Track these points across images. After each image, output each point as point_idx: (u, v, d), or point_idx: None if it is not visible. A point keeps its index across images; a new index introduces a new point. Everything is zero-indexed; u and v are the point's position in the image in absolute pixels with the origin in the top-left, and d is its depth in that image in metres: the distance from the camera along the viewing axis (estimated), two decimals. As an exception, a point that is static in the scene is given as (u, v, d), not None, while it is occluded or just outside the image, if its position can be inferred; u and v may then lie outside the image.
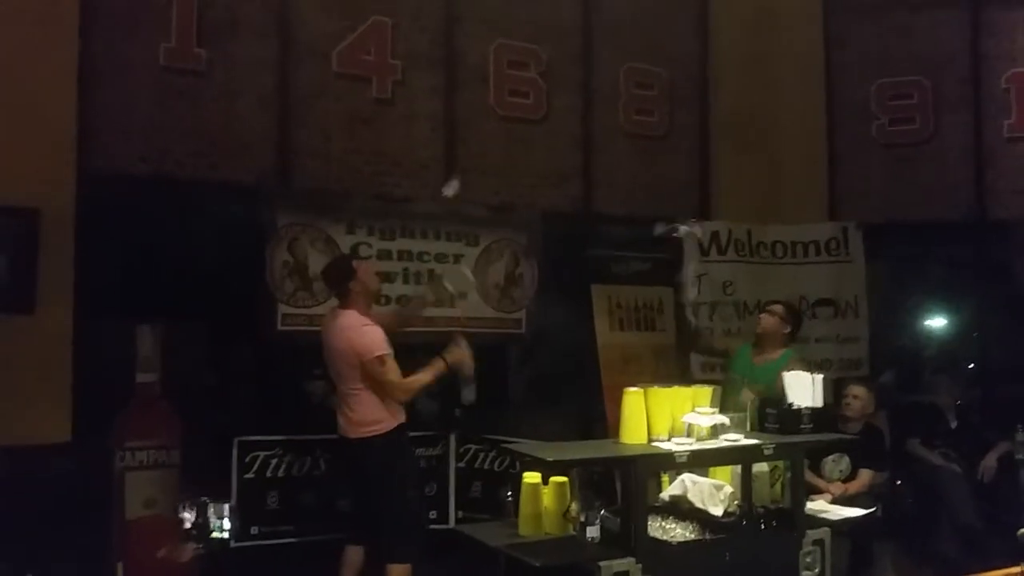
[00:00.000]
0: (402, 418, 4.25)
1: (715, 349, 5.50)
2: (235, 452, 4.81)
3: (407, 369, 4.22)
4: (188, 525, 3.56)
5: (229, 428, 4.94)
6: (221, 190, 5.14)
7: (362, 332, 4.13)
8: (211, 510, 3.49)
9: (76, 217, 4.67)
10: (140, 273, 5.16)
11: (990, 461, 5.54)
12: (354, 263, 4.53)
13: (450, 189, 4.81)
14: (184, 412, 4.70)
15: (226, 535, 3.53)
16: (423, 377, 4.22)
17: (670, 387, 3.64)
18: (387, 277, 5.39)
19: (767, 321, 4.90)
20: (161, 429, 4.60)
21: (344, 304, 4.31)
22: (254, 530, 4.74)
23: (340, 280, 4.34)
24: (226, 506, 3.56)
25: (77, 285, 4.64)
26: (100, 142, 4.83)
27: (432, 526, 5.02)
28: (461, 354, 4.23)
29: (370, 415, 4.14)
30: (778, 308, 4.97)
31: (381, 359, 4.08)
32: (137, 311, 4.83)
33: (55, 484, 4.26)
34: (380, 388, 4.13)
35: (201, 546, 3.59)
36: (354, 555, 4.26)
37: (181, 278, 5.25)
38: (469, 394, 4.30)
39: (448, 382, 5.65)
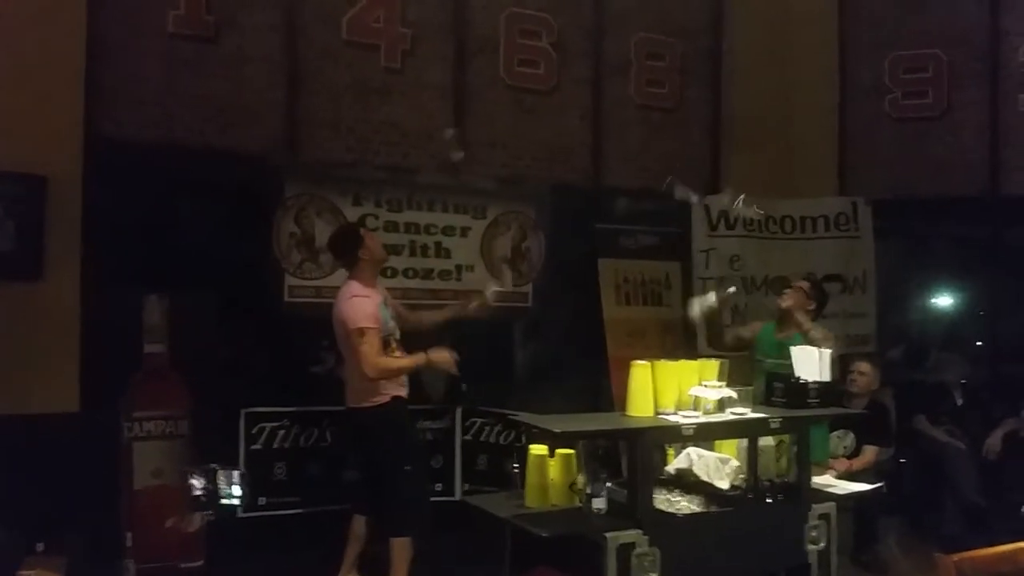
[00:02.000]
0: (400, 392, 4.23)
1: (742, 339, 4.99)
2: (242, 423, 4.83)
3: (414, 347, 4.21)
4: (198, 492, 3.57)
5: (237, 399, 4.95)
6: (229, 159, 5.10)
7: (352, 302, 4.11)
8: (221, 477, 3.51)
9: (84, 184, 4.65)
10: (148, 242, 5.16)
11: (995, 439, 5.54)
12: (361, 231, 4.50)
13: (455, 151, 4.76)
14: (192, 383, 4.71)
15: (236, 502, 3.55)
16: (400, 362, 4.16)
17: (677, 360, 3.62)
18: (394, 249, 5.37)
19: (792, 296, 4.73)
20: (169, 399, 4.61)
21: (351, 274, 4.31)
22: (261, 500, 4.78)
23: (348, 249, 4.32)
24: (236, 473, 3.58)
25: (85, 253, 4.64)
26: (108, 109, 4.80)
27: (438, 499, 5.05)
28: (444, 357, 4.13)
29: (364, 386, 4.13)
30: (804, 283, 4.83)
31: (360, 331, 4.03)
32: (145, 280, 4.83)
33: (63, 454, 4.28)
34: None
35: (211, 512, 3.61)
36: (359, 526, 4.29)
37: (188, 247, 5.24)
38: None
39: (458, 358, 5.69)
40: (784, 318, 4.75)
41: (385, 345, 4.15)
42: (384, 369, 4.08)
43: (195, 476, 3.58)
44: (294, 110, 5.28)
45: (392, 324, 4.27)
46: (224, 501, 3.51)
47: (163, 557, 4.38)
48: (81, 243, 4.64)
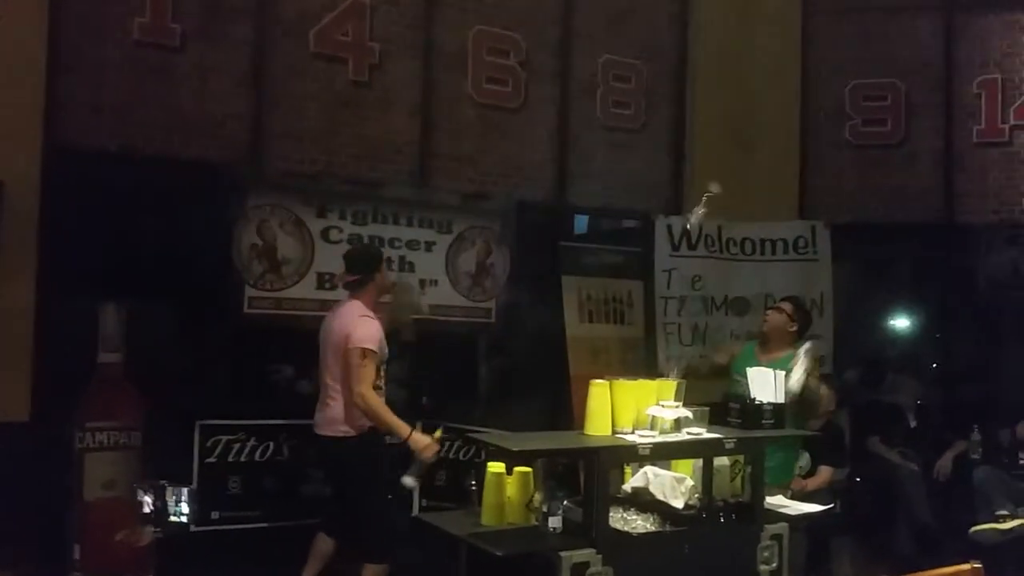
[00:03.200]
0: None
1: (719, 365, 4.88)
2: (197, 436, 4.77)
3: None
4: (146, 509, 3.52)
5: (192, 411, 4.89)
6: (191, 168, 5.06)
7: (363, 322, 4.07)
8: (169, 494, 3.45)
9: (42, 191, 4.59)
10: (106, 251, 5.08)
11: (946, 461, 5.65)
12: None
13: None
14: (147, 394, 4.64)
15: (184, 519, 3.50)
16: (386, 415, 4.05)
17: (635, 380, 3.65)
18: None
19: (774, 318, 4.71)
20: (122, 410, 4.55)
21: (355, 294, 4.24)
22: (215, 515, 4.72)
23: (368, 267, 4.26)
24: (185, 490, 3.53)
25: (40, 261, 4.57)
26: (69, 116, 4.74)
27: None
28: (427, 445, 4.03)
29: (347, 411, 4.07)
30: (786, 306, 4.78)
31: (363, 352, 3.98)
32: (101, 289, 4.76)
33: (12, 463, 4.19)
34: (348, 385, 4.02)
35: (159, 530, 3.55)
36: (324, 545, 4.22)
37: (147, 257, 5.18)
38: (410, 480, 4.03)
39: (420, 372, 5.68)
40: (765, 340, 4.72)
41: (377, 371, 4.09)
42: (370, 406, 4.00)
43: (144, 492, 3.52)
44: (259, 121, 5.25)
45: (386, 352, 4.21)
46: (172, 518, 3.45)
47: (111, 570, 4.30)
48: (37, 250, 4.57)
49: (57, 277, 4.60)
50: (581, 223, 7.06)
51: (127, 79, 4.89)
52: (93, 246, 5.03)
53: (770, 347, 4.66)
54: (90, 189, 4.75)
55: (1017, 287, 6.56)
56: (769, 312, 4.83)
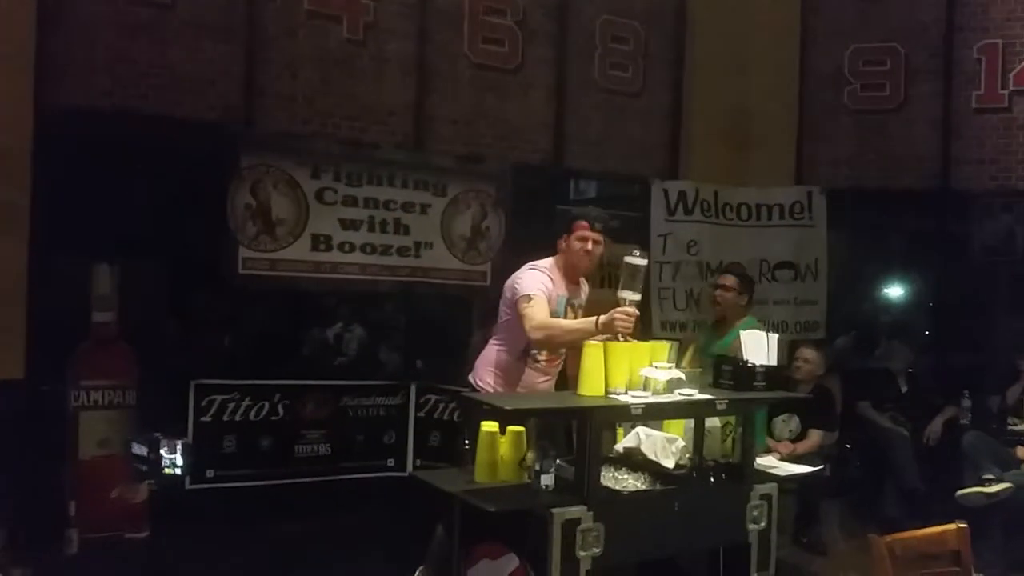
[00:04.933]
0: None
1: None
2: (192, 395, 4.79)
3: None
4: (140, 460, 3.55)
5: (187, 370, 4.90)
6: (184, 127, 5.01)
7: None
8: (164, 445, 3.48)
9: (34, 150, 4.55)
10: (99, 210, 5.05)
11: (935, 425, 5.69)
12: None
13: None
14: (141, 353, 4.65)
15: (179, 471, 3.54)
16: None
17: (629, 341, 3.66)
18: (352, 224, 5.34)
19: (724, 298, 4.79)
20: (117, 369, 4.56)
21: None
22: (210, 473, 4.76)
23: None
24: (179, 442, 3.55)
25: (34, 220, 4.54)
26: (60, 74, 4.69)
27: (390, 473, 5.06)
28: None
29: None
30: (730, 280, 4.83)
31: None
32: (95, 249, 4.74)
33: (7, 422, 4.20)
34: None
35: (153, 482, 3.59)
36: None
37: (141, 216, 5.15)
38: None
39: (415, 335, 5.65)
40: (721, 317, 4.81)
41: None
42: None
43: (137, 444, 3.54)
44: (252, 80, 5.20)
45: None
46: (167, 471, 3.48)
47: (107, 527, 4.34)
48: (30, 209, 4.54)
49: (50, 236, 4.58)
50: (579, 187, 7.02)
51: (119, 37, 4.83)
52: (86, 205, 4.99)
53: (726, 323, 4.74)
54: (83, 149, 4.71)
55: (1012, 255, 6.57)
56: (718, 293, 4.86)
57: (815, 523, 5.11)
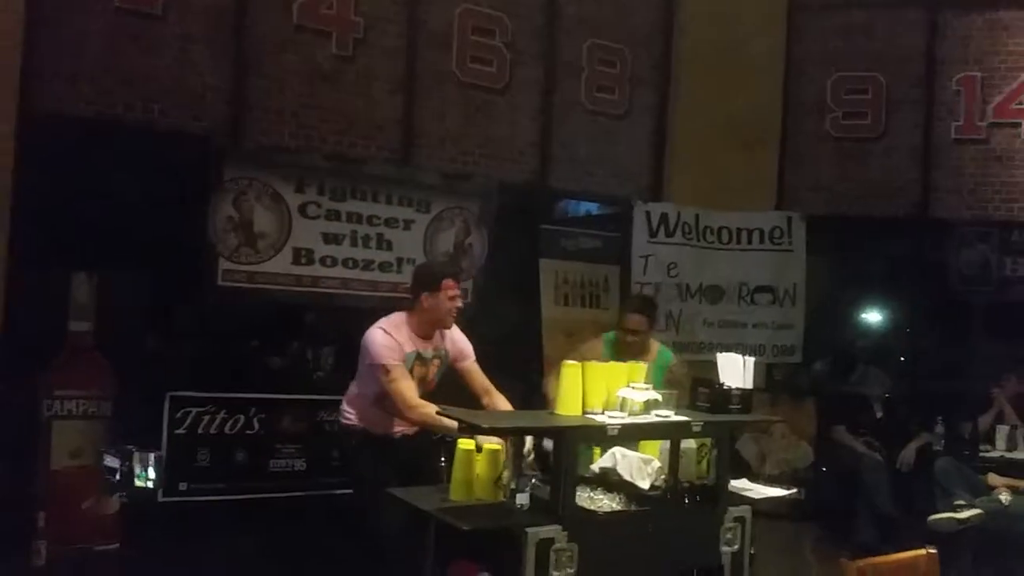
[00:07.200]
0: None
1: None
2: (166, 407, 4.75)
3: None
4: (112, 472, 3.51)
5: (162, 382, 4.87)
6: (169, 139, 5.01)
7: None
8: (137, 458, 3.44)
9: (16, 157, 4.53)
10: (79, 219, 5.03)
11: (909, 451, 5.73)
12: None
13: None
14: (117, 364, 4.61)
15: (151, 484, 3.50)
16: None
17: (607, 362, 3.68)
18: (335, 239, 5.35)
19: (636, 342, 4.30)
20: (92, 379, 4.52)
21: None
22: (183, 486, 4.71)
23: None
24: (152, 455, 3.52)
25: (13, 228, 4.52)
26: (46, 82, 4.68)
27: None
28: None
29: None
30: (637, 321, 4.31)
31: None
32: (74, 258, 4.71)
33: (-21, 430, 4.16)
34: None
35: (124, 494, 3.55)
36: None
37: (121, 227, 5.13)
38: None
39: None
40: (633, 343, 4.31)
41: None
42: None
43: (110, 456, 3.51)
44: (239, 93, 5.21)
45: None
46: (139, 483, 3.45)
47: (77, 539, 4.29)
48: (9, 216, 4.51)
49: (30, 244, 4.55)
50: (562, 207, 7.08)
51: (106, 47, 4.83)
52: (67, 214, 4.98)
53: (640, 349, 4.25)
54: (66, 157, 4.70)
55: (987, 284, 6.66)
56: (629, 339, 4.29)
57: (789, 546, 5.12)
